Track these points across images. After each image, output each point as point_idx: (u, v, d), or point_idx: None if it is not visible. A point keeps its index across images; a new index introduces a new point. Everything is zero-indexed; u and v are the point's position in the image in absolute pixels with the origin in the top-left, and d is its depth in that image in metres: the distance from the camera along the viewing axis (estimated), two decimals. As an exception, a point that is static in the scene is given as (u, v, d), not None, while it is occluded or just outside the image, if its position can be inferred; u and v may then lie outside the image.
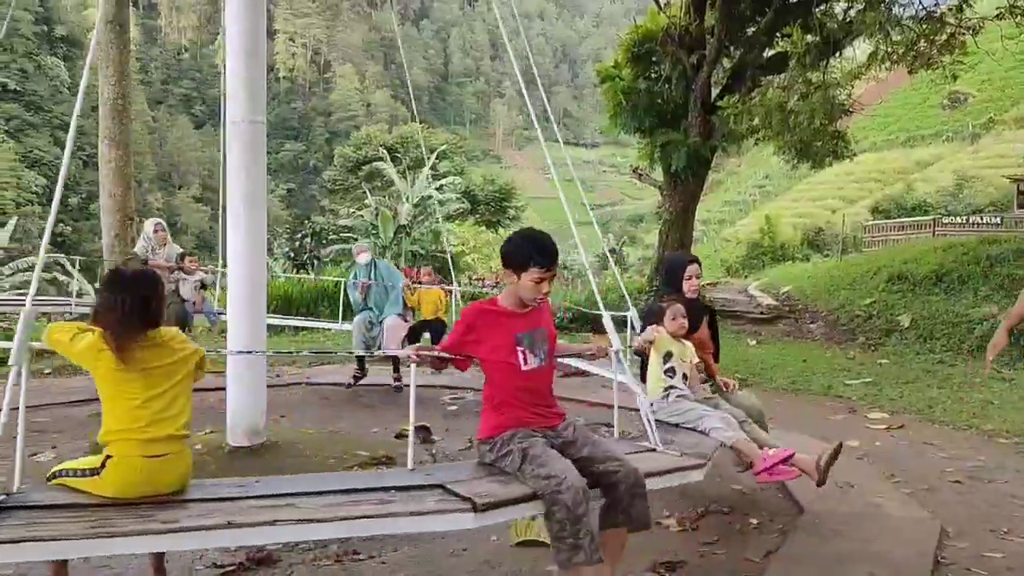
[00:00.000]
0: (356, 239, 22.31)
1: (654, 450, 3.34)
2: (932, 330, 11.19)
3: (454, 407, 6.94)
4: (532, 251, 2.92)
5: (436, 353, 3.13)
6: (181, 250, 8.86)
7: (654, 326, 3.96)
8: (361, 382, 7.70)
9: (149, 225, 8.57)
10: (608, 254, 6.19)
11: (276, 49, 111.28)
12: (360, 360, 7.66)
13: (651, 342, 3.89)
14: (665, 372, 3.95)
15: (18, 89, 61.30)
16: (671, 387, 3.92)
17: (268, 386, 4.68)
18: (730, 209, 48.15)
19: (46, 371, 8.49)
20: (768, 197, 46.09)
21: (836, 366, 9.85)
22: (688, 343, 4.09)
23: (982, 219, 21.86)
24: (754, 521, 3.99)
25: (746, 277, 22.43)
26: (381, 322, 7.64)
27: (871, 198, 33.12)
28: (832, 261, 20.88)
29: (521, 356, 2.97)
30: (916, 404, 7.37)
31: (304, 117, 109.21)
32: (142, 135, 63.61)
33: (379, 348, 7.48)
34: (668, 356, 3.96)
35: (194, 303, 8.62)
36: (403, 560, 3.35)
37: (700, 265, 4.48)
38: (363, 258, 8.03)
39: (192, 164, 79.53)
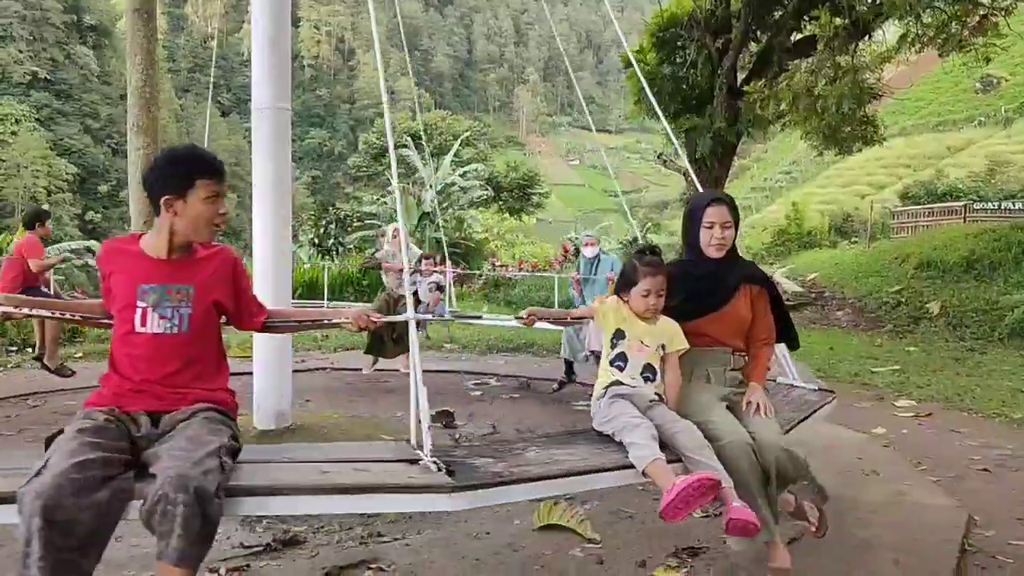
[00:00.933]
0: (380, 225, 22.42)
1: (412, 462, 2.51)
2: (962, 317, 11.04)
3: (478, 392, 6.97)
4: (190, 163, 2.36)
5: (47, 313, 2.71)
6: (420, 252, 8.65)
7: (604, 296, 3.09)
8: (378, 367, 7.78)
9: (390, 229, 8.48)
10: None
11: (301, 37, 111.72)
12: (568, 365, 7.06)
13: (579, 319, 3.13)
14: (612, 362, 2.92)
15: (48, 78, 62.14)
16: (615, 383, 2.88)
17: (293, 371, 4.74)
18: (756, 196, 47.64)
19: (77, 355, 8.65)
20: (795, 183, 45.53)
21: (863, 353, 9.75)
22: (668, 322, 2.92)
23: (1015, 205, 21.44)
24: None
25: (772, 264, 22.22)
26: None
27: (900, 184, 32.62)
28: (860, 247, 20.63)
29: (139, 314, 2.33)
30: (944, 392, 7.28)
31: (329, 105, 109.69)
32: (169, 123, 64.22)
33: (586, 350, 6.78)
34: (619, 338, 2.93)
35: (429, 304, 8.36)
36: (426, 542, 3.38)
37: (734, 208, 3.05)
38: (589, 251, 7.33)
39: (218, 152, 79.54)
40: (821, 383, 4.02)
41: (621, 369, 2.88)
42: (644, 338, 2.87)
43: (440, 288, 8.62)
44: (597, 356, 6.42)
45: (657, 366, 2.89)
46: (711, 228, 3.00)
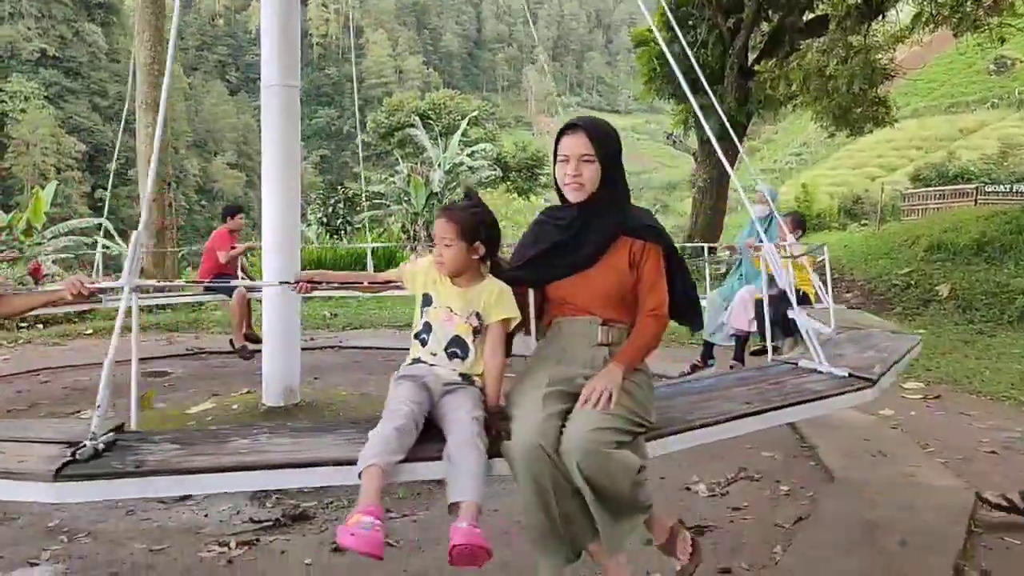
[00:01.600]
0: (388, 205, 22.39)
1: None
2: (972, 300, 10.98)
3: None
4: None
5: None
6: None
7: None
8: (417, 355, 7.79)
9: None
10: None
11: (309, 15, 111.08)
12: (707, 345, 6.02)
13: (385, 283, 2.54)
14: (417, 334, 2.37)
15: (57, 56, 62.03)
16: (414, 360, 2.36)
17: (302, 349, 4.76)
18: (766, 177, 47.41)
19: (87, 332, 8.70)
20: (805, 165, 45.27)
21: (871, 336, 9.73)
22: (492, 285, 2.30)
23: (1027, 188, 21.27)
24: (785, 488, 3.98)
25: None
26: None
27: (911, 166, 32.39)
28: (870, 230, 20.52)
29: None
30: (953, 374, 7.26)
31: (337, 83, 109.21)
32: (178, 101, 64.11)
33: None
34: (426, 304, 2.35)
35: None
36: (434, 519, 3.41)
37: (602, 140, 2.27)
38: (759, 209, 5.31)
39: (227, 130, 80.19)
40: (877, 369, 3.07)
41: (424, 343, 2.33)
42: (452, 304, 2.28)
43: None
44: (741, 337, 5.73)
45: (470, 340, 2.28)
46: (566, 162, 2.28)
